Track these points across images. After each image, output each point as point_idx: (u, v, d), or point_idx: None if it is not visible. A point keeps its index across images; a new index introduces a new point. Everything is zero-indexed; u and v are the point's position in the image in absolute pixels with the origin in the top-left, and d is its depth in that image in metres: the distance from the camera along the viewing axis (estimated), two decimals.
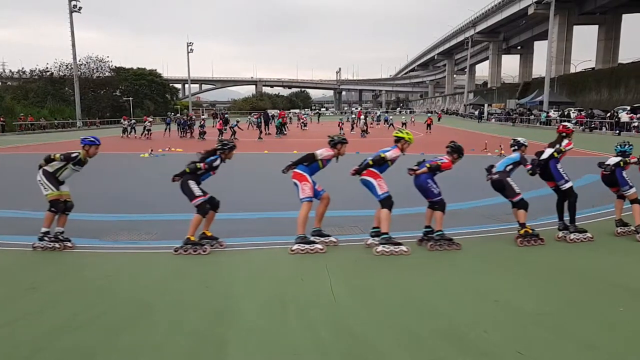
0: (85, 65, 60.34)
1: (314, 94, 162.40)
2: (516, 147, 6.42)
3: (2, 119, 40.92)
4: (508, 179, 6.15)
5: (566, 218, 6.42)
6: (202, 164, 5.88)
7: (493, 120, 54.89)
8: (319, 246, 5.85)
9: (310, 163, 6.01)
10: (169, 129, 33.59)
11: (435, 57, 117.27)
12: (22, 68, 63.35)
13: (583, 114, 38.27)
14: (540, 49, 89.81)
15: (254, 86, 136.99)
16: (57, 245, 5.89)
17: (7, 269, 5.53)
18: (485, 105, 65.34)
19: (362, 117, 34.41)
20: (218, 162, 6.02)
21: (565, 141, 6.51)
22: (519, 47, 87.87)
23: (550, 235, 6.32)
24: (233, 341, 3.61)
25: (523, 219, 6.08)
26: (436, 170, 6.02)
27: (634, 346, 3.44)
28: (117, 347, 3.55)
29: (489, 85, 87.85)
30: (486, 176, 6.36)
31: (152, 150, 19.66)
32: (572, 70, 64.33)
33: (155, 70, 75.57)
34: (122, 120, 34.62)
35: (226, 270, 5.39)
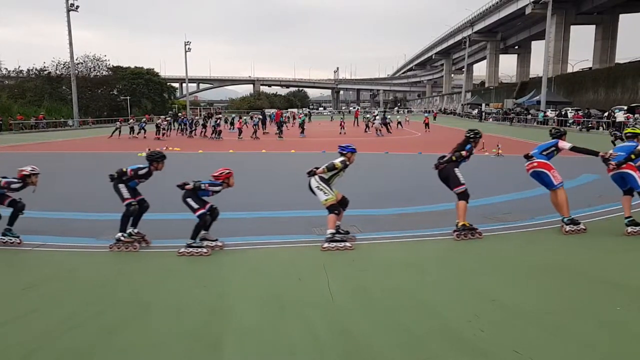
0: (82, 64, 60.15)
1: (312, 93, 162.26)
2: None
3: None
4: None
5: None
6: (464, 152, 6.45)
7: (491, 119, 54.94)
8: (583, 227, 6.42)
9: (550, 152, 6.61)
10: (170, 129, 33.42)
11: (433, 57, 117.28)
12: (19, 67, 63.12)
13: (580, 113, 38.35)
14: (538, 48, 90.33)
15: (251, 85, 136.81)
16: (347, 244, 5.99)
17: (4, 268, 5.51)
18: (483, 104, 65.39)
19: (378, 117, 34.28)
20: (472, 150, 6.59)
21: None
22: (516, 47, 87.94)
23: (545, 233, 6.34)
24: (230, 341, 3.61)
25: None
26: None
27: (632, 345, 3.45)
28: (114, 346, 3.54)
29: (486, 85, 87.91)
30: None
31: (149, 150, 19.62)
32: (570, 70, 64.45)
33: (153, 69, 75.28)
34: (117, 123, 33.03)
35: (223, 269, 5.39)
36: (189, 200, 5.87)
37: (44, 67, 59.23)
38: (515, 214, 7.60)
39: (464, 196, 6.25)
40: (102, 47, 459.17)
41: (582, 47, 78.62)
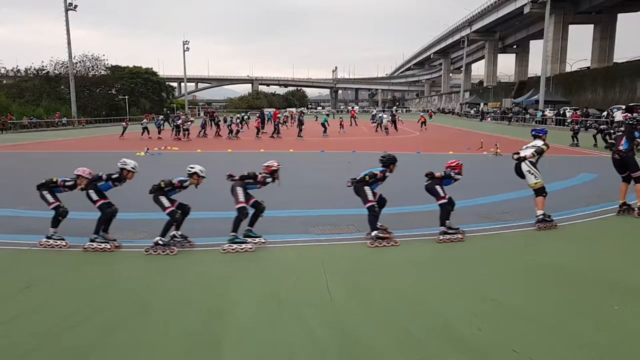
0: (80, 63, 60.03)
1: (311, 92, 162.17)
2: None
3: None
4: None
5: None
6: (637, 139, 7.17)
7: (489, 119, 55.02)
8: None
9: None
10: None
11: (432, 56, 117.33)
12: (17, 66, 62.96)
13: (578, 112, 38.41)
14: (536, 48, 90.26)
15: (250, 85, 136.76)
16: (554, 224, 6.50)
17: (2, 268, 5.51)
18: (481, 104, 65.40)
19: (387, 115, 34.21)
20: None
21: None
22: (514, 46, 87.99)
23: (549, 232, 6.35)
24: (228, 340, 3.62)
25: None
26: None
27: (630, 344, 3.47)
28: (113, 346, 3.54)
29: (485, 84, 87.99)
30: None
31: (147, 149, 19.63)
32: (568, 69, 64.53)
33: (151, 68, 75.21)
34: (124, 123, 31.71)
35: (223, 269, 5.39)
36: (437, 187, 6.28)
37: (42, 66, 59.19)
38: (514, 214, 7.62)
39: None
40: (101, 47, 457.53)
41: (580, 47, 78.98)
